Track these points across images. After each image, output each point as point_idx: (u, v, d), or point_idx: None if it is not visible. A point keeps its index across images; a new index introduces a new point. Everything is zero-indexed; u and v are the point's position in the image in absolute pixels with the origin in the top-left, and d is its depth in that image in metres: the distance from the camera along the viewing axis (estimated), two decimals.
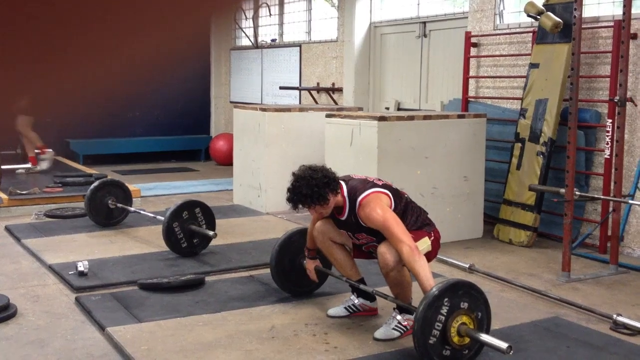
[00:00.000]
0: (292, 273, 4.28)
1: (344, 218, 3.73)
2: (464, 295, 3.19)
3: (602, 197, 5.40)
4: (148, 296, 4.30)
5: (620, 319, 3.88)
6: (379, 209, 3.53)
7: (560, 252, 4.95)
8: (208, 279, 4.68)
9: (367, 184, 3.70)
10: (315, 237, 3.99)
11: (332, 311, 4.01)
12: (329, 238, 3.94)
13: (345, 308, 4.00)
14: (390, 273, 3.55)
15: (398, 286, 3.61)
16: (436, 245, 3.77)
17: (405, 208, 3.72)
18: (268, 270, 4.93)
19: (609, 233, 5.24)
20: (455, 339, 3.16)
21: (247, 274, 4.87)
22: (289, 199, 3.67)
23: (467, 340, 3.19)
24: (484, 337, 3.17)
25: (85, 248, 5.50)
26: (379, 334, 3.67)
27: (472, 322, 3.20)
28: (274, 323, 3.88)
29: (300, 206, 3.66)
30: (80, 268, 4.66)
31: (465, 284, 3.26)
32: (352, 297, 4.02)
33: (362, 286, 3.91)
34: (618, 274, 4.97)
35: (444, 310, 3.13)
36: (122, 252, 5.37)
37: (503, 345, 3.04)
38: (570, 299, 4.34)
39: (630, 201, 5.10)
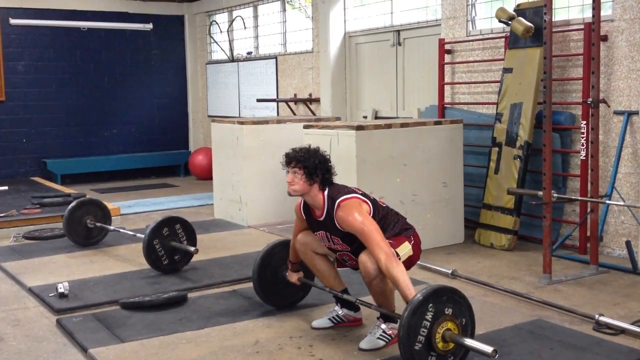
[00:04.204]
0: (275, 285, 4.27)
1: (321, 219, 3.73)
2: (448, 301, 3.20)
3: (579, 198, 5.46)
4: (130, 315, 4.26)
5: (602, 319, 3.91)
6: (358, 213, 3.55)
7: (541, 254, 4.99)
8: (190, 295, 4.65)
9: (348, 189, 3.74)
10: (297, 249, 3.99)
11: (316, 323, 4.01)
12: (312, 249, 3.94)
13: (329, 319, 3.99)
14: (373, 282, 3.54)
15: (381, 295, 3.61)
16: (417, 249, 3.78)
17: (385, 216, 3.74)
18: (251, 284, 4.92)
19: (588, 234, 5.29)
20: (440, 345, 3.17)
21: (230, 289, 4.84)
22: (287, 154, 3.75)
23: (451, 345, 3.20)
24: (469, 341, 3.18)
25: (65, 269, 5.44)
26: (364, 344, 3.67)
27: (457, 327, 3.21)
28: (258, 337, 3.86)
29: (292, 166, 3.69)
30: (61, 289, 4.61)
31: (449, 289, 3.28)
32: (336, 307, 4.02)
33: (345, 296, 3.90)
34: (599, 274, 5.01)
35: (429, 316, 3.14)
36: (102, 272, 5.32)
37: (488, 349, 3.05)
38: (552, 300, 4.37)
39: (607, 201, 5.17)
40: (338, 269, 4.00)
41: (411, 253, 3.70)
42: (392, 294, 3.62)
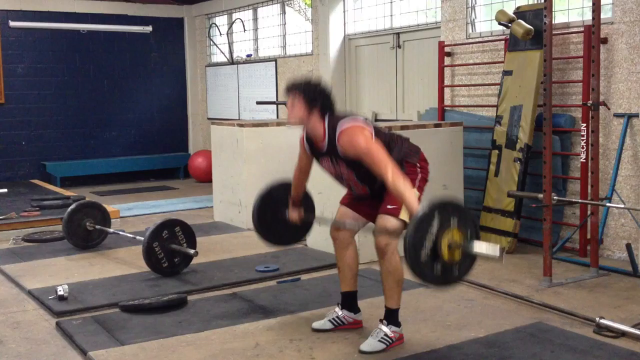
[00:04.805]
0: (275, 225, 4.21)
1: (324, 150, 3.71)
2: (453, 212, 3.18)
3: (579, 200, 5.45)
4: (130, 318, 4.25)
5: (603, 321, 3.90)
6: (361, 136, 3.52)
7: (541, 257, 4.98)
8: (190, 298, 4.64)
9: (347, 116, 3.70)
10: (335, 237, 3.91)
11: (316, 324, 3.99)
12: (350, 234, 3.88)
13: (329, 321, 3.98)
14: (385, 256, 3.58)
15: (391, 275, 3.62)
16: (423, 181, 3.77)
17: (388, 141, 3.70)
18: (251, 287, 4.93)
19: (589, 236, 5.28)
20: (446, 254, 3.13)
21: (230, 292, 4.83)
22: (290, 81, 3.74)
23: (457, 257, 3.16)
24: (475, 244, 3.15)
25: (65, 272, 5.43)
26: (365, 346, 3.65)
27: (462, 238, 3.18)
28: (258, 340, 3.85)
29: (292, 92, 3.67)
30: (60, 292, 4.60)
31: (454, 202, 3.28)
32: (336, 309, 4.01)
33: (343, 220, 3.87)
34: (599, 277, 5.01)
35: (434, 225, 3.11)
36: (102, 275, 5.31)
37: (495, 251, 3.03)
38: (552, 303, 4.36)
39: (608, 204, 5.16)
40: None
41: (418, 194, 3.69)
42: (401, 278, 3.65)
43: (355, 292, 3.98)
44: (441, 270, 3.15)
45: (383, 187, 3.55)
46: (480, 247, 3.14)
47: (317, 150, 3.78)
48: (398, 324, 3.69)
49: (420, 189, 3.76)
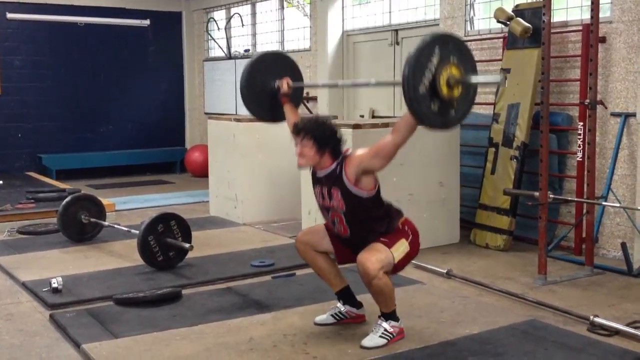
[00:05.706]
0: (263, 96, 4.24)
1: (322, 176, 3.62)
2: (453, 50, 3.13)
3: (575, 199, 5.46)
4: (124, 311, 4.25)
5: (597, 320, 3.91)
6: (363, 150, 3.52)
7: (536, 255, 4.98)
8: (185, 292, 4.63)
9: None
10: (297, 248, 3.91)
11: (319, 319, 3.97)
12: (312, 248, 3.85)
13: (332, 315, 3.96)
14: (373, 281, 3.49)
15: (381, 294, 3.58)
16: (415, 242, 3.67)
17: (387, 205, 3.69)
18: (246, 282, 4.93)
19: (584, 235, 5.29)
20: (445, 90, 3.08)
21: (225, 286, 4.83)
22: (296, 124, 3.66)
23: (455, 93, 3.10)
24: (475, 78, 3.09)
25: (59, 264, 5.42)
26: (366, 341, 3.63)
27: (461, 73, 3.13)
28: (252, 335, 3.85)
29: (301, 136, 3.57)
30: (55, 284, 4.59)
31: (455, 37, 3.23)
32: (339, 304, 3.98)
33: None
34: (594, 276, 5.01)
35: (434, 58, 3.06)
36: (96, 267, 5.30)
37: (496, 78, 3.00)
38: (547, 301, 4.37)
39: (603, 203, 5.16)
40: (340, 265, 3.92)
41: (408, 249, 3.62)
42: (392, 292, 3.60)
43: (347, 287, 3.95)
44: (439, 107, 3.09)
45: (363, 237, 3.58)
46: (480, 78, 3.10)
47: (315, 175, 3.72)
48: (397, 319, 3.68)
49: (412, 242, 3.65)
